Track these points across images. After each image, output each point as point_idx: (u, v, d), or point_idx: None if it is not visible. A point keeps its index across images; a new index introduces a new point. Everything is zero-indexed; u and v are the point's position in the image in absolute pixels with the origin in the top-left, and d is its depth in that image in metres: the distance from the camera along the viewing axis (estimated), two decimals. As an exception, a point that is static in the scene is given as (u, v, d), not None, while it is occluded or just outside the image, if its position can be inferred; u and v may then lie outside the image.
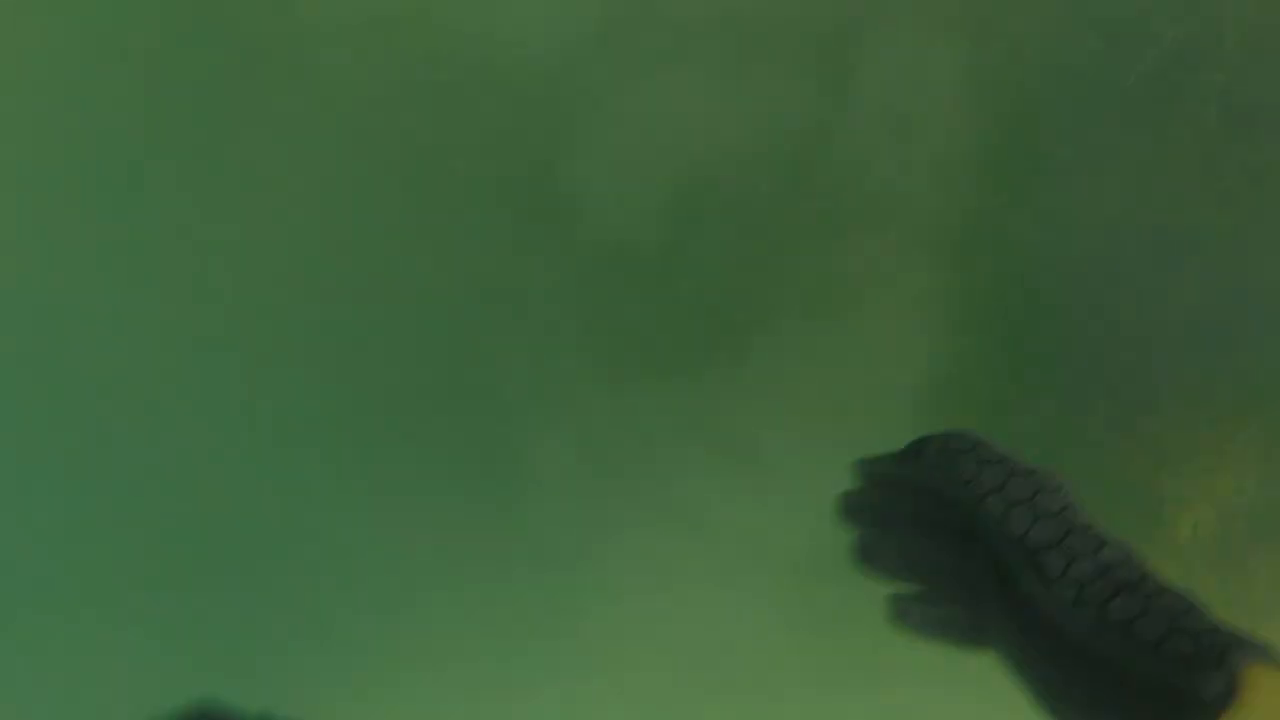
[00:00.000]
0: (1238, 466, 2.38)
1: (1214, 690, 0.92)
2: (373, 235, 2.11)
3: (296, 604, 2.31)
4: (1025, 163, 2.23)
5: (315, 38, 2.01)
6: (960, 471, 1.23)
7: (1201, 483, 2.39)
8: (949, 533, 1.25)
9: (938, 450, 1.37)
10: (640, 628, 2.43)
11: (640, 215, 2.19)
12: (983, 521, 1.14)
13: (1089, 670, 0.98)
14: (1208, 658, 0.95)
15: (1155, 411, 2.35)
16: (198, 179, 2.06)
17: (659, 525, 2.36)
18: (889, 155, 2.23)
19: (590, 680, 2.48)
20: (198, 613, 2.28)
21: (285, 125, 2.04)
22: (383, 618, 2.35)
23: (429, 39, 2.03)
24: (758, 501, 2.37)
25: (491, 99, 2.09)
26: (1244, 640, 1.04)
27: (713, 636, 2.46)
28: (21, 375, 2.08)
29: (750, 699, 2.53)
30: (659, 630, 2.45)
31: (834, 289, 2.26)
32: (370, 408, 2.20)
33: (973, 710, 2.41)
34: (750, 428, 2.34)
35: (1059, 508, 1.16)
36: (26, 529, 2.15)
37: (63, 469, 2.13)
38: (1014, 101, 2.16)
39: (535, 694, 2.45)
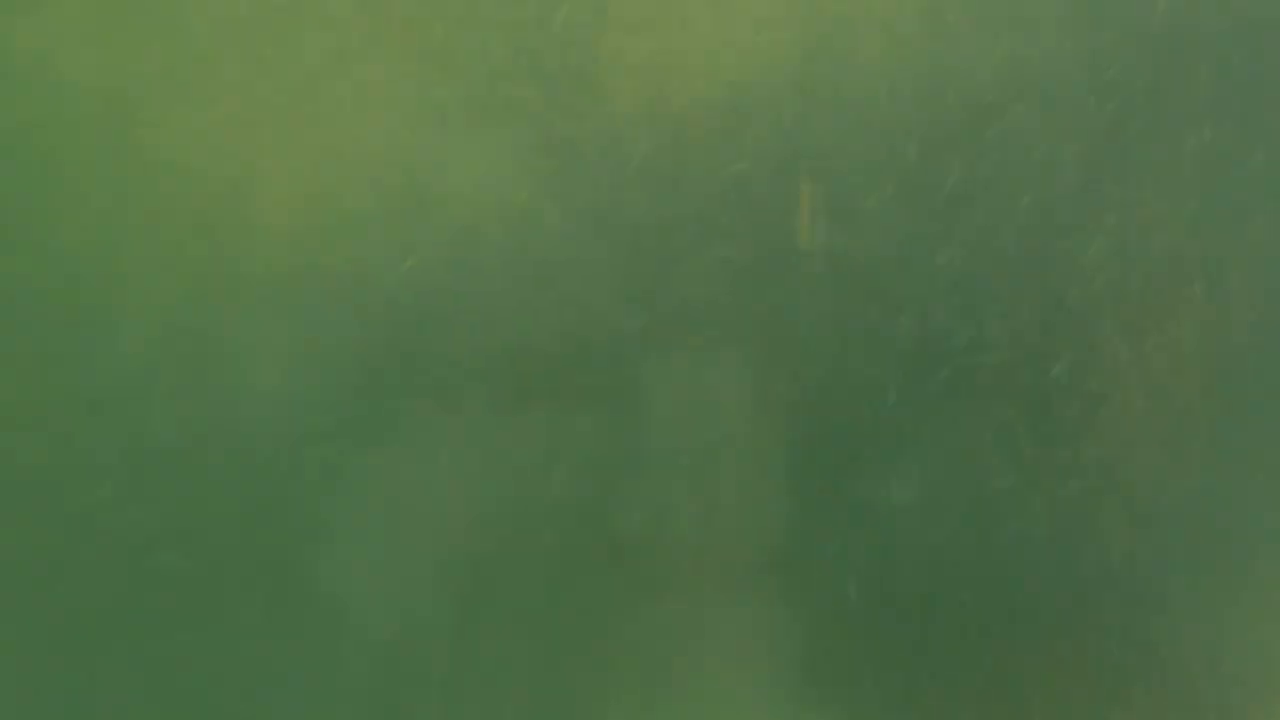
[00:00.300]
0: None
1: None
2: (73, 669, 1.65)
3: None
4: (832, 483, 2.06)
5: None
6: None
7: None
8: None
9: None
10: None
11: (414, 617, 1.82)
12: None
13: None
14: None
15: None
16: None
17: None
18: (689, 496, 2.00)
19: None
20: None
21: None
22: None
23: (147, 416, 1.70)
24: None
25: (224, 484, 1.74)
26: None
27: None
28: None
29: None
30: None
31: (657, 662, 1.95)
32: None
33: None
34: None
35: None
36: None
37: None
38: (811, 420, 2.02)
39: None
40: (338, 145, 1.89)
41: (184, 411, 1.76)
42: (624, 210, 1.90)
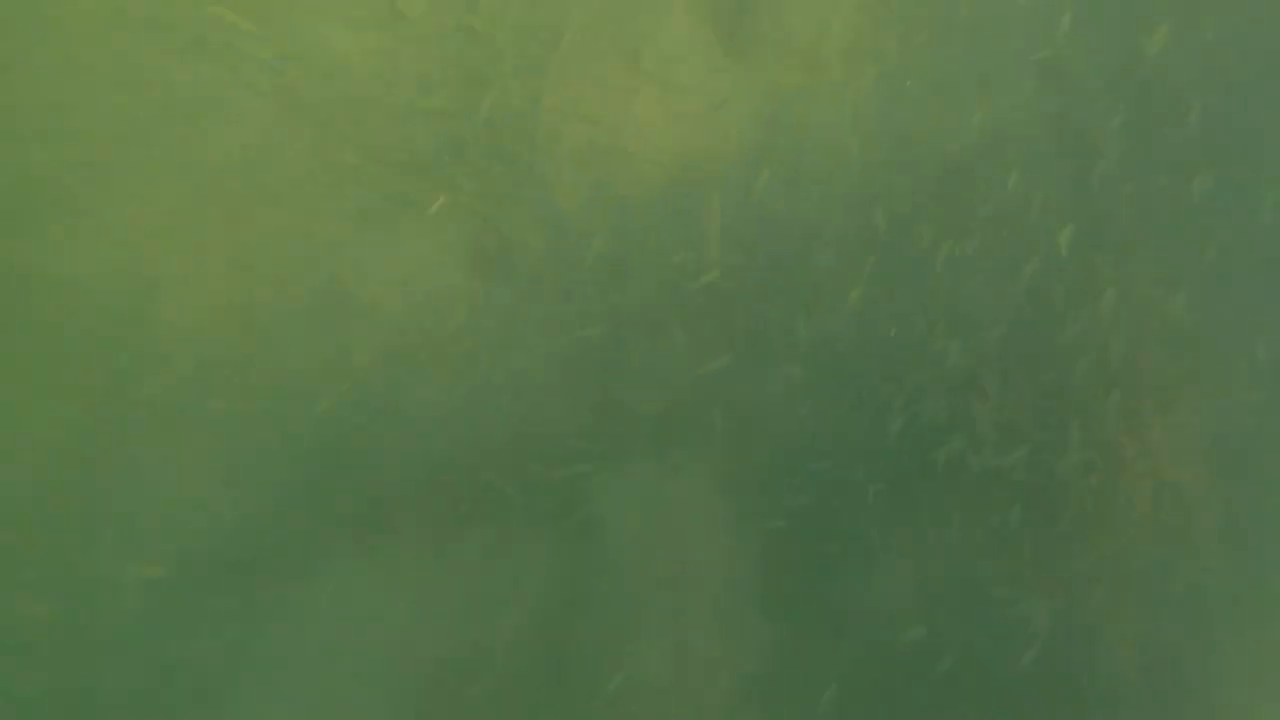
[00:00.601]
0: None
1: None
2: None
3: None
4: (818, 613, 1.85)
5: None
6: None
7: None
8: None
9: None
10: None
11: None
12: None
13: None
14: None
15: None
16: None
17: None
18: (657, 635, 1.78)
19: None
20: None
21: None
22: None
23: (24, 577, 1.47)
24: None
25: (123, 652, 1.51)
26: None
27: None
28: None
29: None
30: None
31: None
32: None
33: None
34: None
35: None
36: None
37: None
38: (791, 542, 1.82)
39: None
40: (248, 253, 1.69)
41: (70, 566, 1.52)
42: (574, 315, 1.70)
